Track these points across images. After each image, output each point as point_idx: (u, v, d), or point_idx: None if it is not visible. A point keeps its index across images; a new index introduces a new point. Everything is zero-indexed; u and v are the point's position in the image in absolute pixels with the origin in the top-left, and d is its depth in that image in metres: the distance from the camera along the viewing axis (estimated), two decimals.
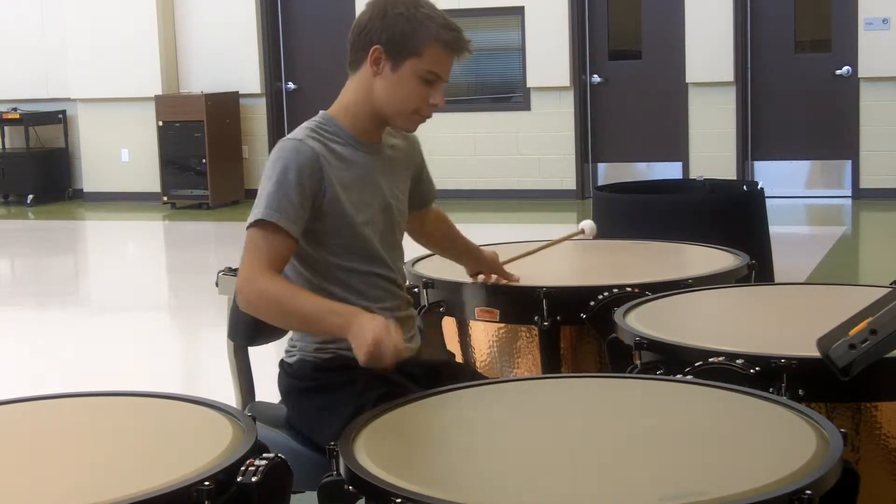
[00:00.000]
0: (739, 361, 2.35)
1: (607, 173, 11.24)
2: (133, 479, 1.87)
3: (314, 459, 2.49)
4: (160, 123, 11.73)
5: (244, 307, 2.52)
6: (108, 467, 2.00)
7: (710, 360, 2.38)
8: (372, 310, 2.52)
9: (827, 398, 2.33)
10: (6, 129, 12.56)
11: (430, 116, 2.62)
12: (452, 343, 3.25)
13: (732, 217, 5.99)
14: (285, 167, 2.49)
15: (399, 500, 1.79)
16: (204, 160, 11.59)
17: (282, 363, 2.70)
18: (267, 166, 2.53)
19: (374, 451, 2.01)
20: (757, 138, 10.82)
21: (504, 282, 3.15)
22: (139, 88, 11.91)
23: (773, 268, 6.28)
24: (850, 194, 10.57)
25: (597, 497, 1.85)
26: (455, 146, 10.85)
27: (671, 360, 2.48)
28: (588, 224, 3.46)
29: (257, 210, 2.49)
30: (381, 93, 2.57)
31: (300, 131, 2.58)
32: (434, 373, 2.69)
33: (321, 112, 2.65)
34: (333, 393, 2.59)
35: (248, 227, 2.51)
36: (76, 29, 12.10)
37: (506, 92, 11.41)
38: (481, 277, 3.17)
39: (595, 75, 11.15)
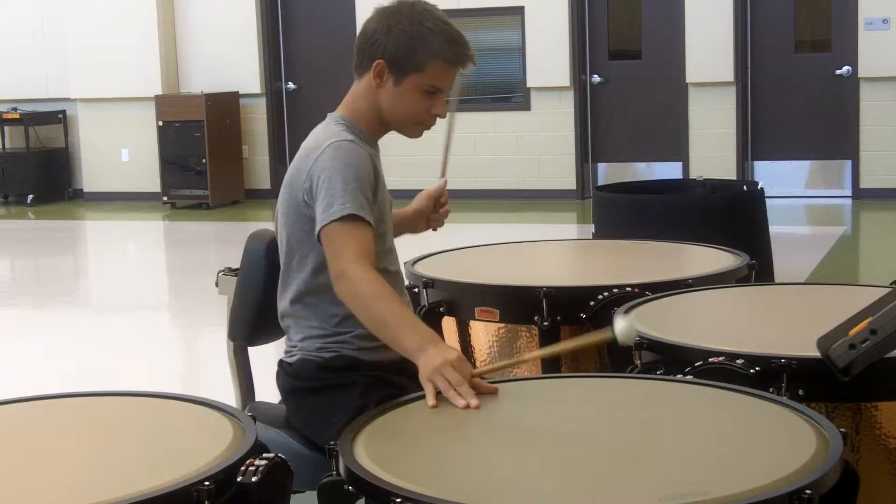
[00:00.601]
0: (739, 361, 2.35)
1: (607, 173, 11.24)
2: (133, 479, 1.86)
3: (314, 459, 2.49)
4: (160, 123, 11.73)
5: (348, 296, 2.48)
6: (108, 467, 2.00)
7: (710, 360, 2.38)
8: None
9: (827, 398, 2.33)
10: (6, 129, 12.56)
11: (433, 125, 2.67)
12: (452, 343, 3.25)
13: (732, 217, 5.98)
14: (352, 165, 2.51)
15: (399, 500, 1.79)
16: (204, 160, 11.59)
17: (281, 363, 2.70)
18: (327, 167, 2.51)
19: (374, 451, 2.01)
20: (757, 138, 10.82)
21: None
22: (139, 88, 11.91)
23: (773, 268, 6.28)
24: (850, 194, 10.57)
25: (597, 497, 1.85)
26: (455, 146, 10.84)
27: (671, 360, 2.48)
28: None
29: (344, 206, 2.47)
30: (385, 103, 2.63)
31: (341, 133, 2.59)
32: None
33: (338, 115, 2.67)
34: (335, 393, 2.59)
35: (331, 223, 2.48)
36: (76, 29, 12.10)
37: (506, 92, 11.40)
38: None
39: (595, 75, 11.15)
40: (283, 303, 2.69)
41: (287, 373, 2.68)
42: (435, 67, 2.58)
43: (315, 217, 2.53)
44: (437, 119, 2.68)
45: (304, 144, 2.65)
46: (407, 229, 3.09)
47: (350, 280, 2.46)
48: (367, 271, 2.46)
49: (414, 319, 2.47)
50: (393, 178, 2.87)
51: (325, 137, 2.59)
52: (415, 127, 2.67)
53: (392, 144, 2.84)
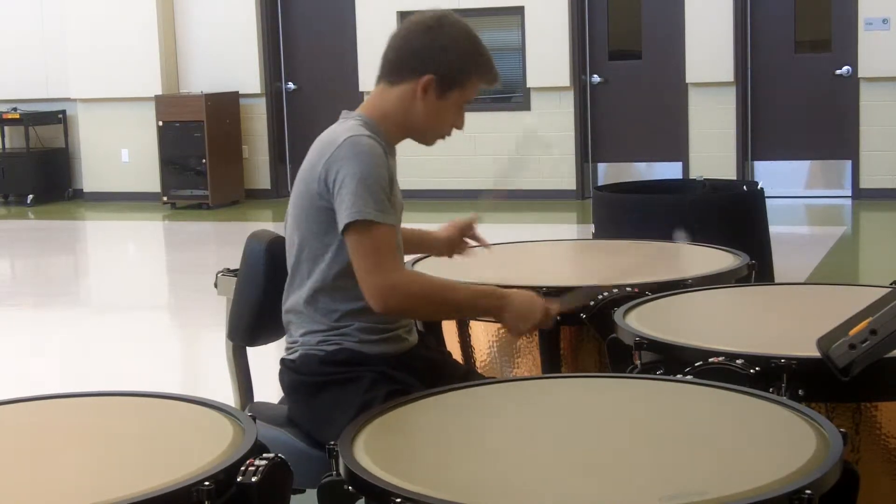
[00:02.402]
0: (739, 361, 2.35)
1: (607, 173, 11.24)
2: (133, 479, 1.87)
3: (315, 457, 2.49)
4: (160, 123, 11.73)
5: (392, 311, 2.57)
6: (108, 467, 2.00)
7: (710, 360, 2.38)
8: None
9: (827, 398, 2.33)
10: (6, 129, 12.56)
11: (450, 136, 2.77)
12: (452, 343, 3.25)
13: (732, 217, 5.99)
14: (374, 164, 2.54)
15: (399, 500, 1.79)
16: (204, 160, 11.58)
17: (283, 361, 2.70)
18: (349, 163, 2.52)
19: (374, 451, 2.01)
20: (757, 138, 10.82)
21: (475, 244, 3.17)
22: (139, 88, 11.91)
23: (773, 268, 6.28)
24: (850, 194, 10.57)
25: (597, 497, 1.85)
26: (455, 146, 10.84)
27: (671, 360, 2.48)
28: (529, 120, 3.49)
29: (367, 210, 2.50)
30: (420, 115, 2.67)
31: (358, 129, 2.60)
32: (435, 370, 2.71)
33: (357, 114, 2.67)
34: (339, 389, 2.59)
35: (353, 225, 2.50)
36: (76, 29, 12.10)
37: (506, 92, 11.40)
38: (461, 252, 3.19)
39: (595, 75, 11.15)
40: (291, 299, 2.68)
41: (290, 369, 2.68)
42: (473, 85, 2.70)
43: (334, 208, 2.54)
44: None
45: (320, 138, 2.65)
46: (432, 251, 3.22)
47: (402, 293, 2.54)
48: (408, 280, 2.58)
49: (474, 289, 2.69)
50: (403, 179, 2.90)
51: (342, 131, 2.60)
52: (437, 137, 2.75)
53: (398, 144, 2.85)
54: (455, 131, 2.76)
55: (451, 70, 2.64)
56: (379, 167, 2.54)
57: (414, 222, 2.94)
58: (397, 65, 2.66)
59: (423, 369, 2.69)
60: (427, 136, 2.73)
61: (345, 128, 2.61)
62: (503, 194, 3.24)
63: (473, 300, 2.65)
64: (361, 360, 2.61)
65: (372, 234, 2.51)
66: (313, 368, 2.63)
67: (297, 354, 2.66)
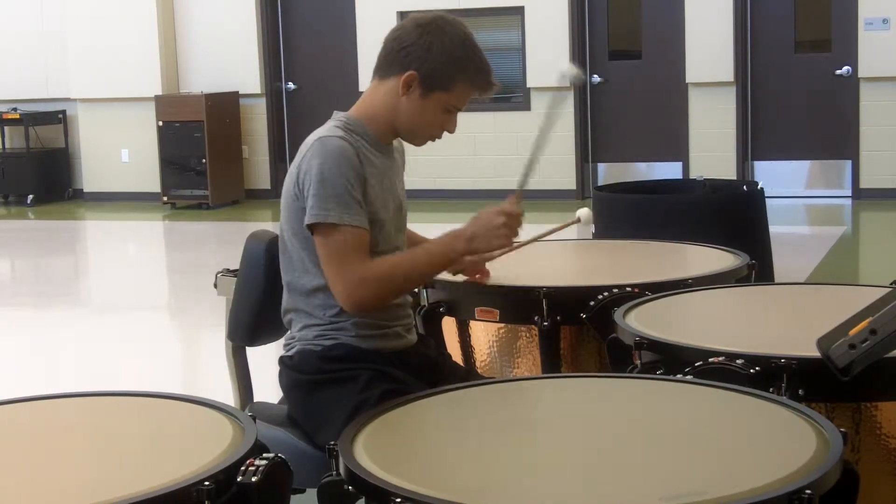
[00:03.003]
0: (739, 361, 2.35)
1: (607, 173, 11.23)
2: (133, 479, 1.86)
3: (315, 457, 2.49)
4: (160, 123, 11.73)
5: (364, 309, 2.59)
6: (108, 467, 2.00)
7: (710, 360, 2.38)
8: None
9: (827, 398, 2.33)
10: (6, 129, 12.56)
11: (440, 139, 2.74)
12: (452, 343, 3.25)
13: (732, 217, 5.98)
14: (338, 164, 2.54)
15: (399, 500, 1.79)
16: (204, 160, 11.58)
17: (281, 359, 2.71)
18: (314, 164, 2.55)
19: (374, 451, 2.01)
20: (757, 138, 10.82)
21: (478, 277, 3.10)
22: (139, 88, 11.91)
23: (773, 268, 6.28)
24: (850, 194, 10.57)
25: (597, 497, 1.85)
26: (455, 146, 10.85)
27: (671, 360, 2.48)
28: (584, 212, 3.34)
29: (330, 213, 2.52)
30: (404, 112, 2.67)
31: (332, 130, 2.62)
32: (435, 370, 2.72)
33: (343, 114, 2.69)
34: (336, 388, 2.60)
35: (316, 227, 2.53)
36: (76, 29, 12.10)
37: (506, 92, 11.40)
38: (461, 276, 3.13)
39: (595, 75, 11.15)
40: (289, 297, 2.70)
41: (288, 367, 2.69)
42: (461, 90, 2.67)
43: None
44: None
45: (304, 140, 2.68)
46: None
47: (369, 288, 2.55)
48: (370, 273, 2.55)
49: (426, 249, 2.72)
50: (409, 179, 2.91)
51: (317, 133, 2.63)
52: (424, 138, 2.74)
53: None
54: (457, 131, 2.76)
55: (434, 70, 2.63)
56: (342, 167, 2.54)
57: (413, 222, 2.93)
58: (387, 60, 2.68)
59: (423, 368, 2.70)
60: (412, 135, 2.74)
61: (322, 129, 2.64)
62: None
63: (435, 259, 2.68)
64: (358, 356, 2.61)
65: (333, 236, 2.53)
66: (310, 365, 2.64)
67: (294, 351, 2.68)
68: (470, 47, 2.67)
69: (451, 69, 2.64)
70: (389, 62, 2.67)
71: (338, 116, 2.69)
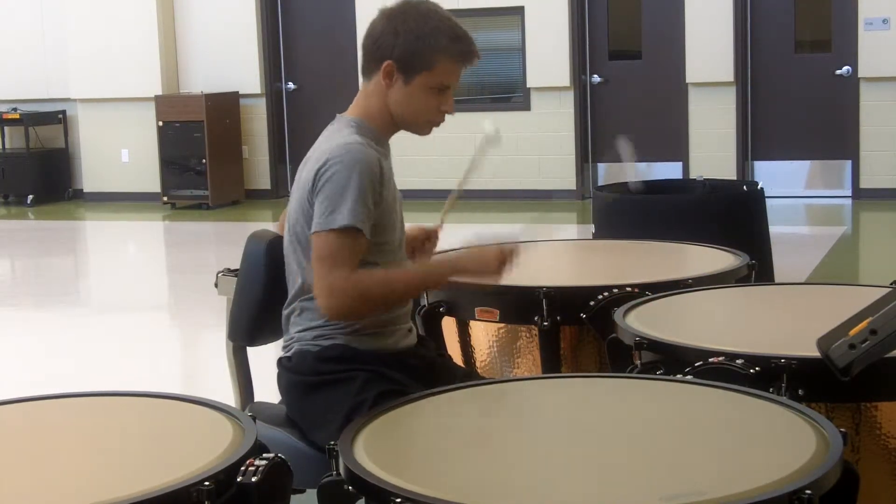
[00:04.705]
0: (739, 361, 2.35)
1: (607, 173, 11.23)
2: (133, 479, 1.87)
3: (315, 457, 2.50)
4: (160, 123, 11.73)
5: (338, 317, 2.58)
6: (108, 467, 2.00)
7: (710, 360, 2.38)
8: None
9: (827, 398, 2.33)
10: (6, 129, 12.56)
11: (442, 121, 2.72)
12: (452, 343, 3.25)
13: (732, 217, 5.98)
14: (361, 172, 2.53)
15: (399, 500, 1.79)
16: (204, 160, 11.58)
17: (280, 360, 2.71)
18: (337, 170, 2.54)
19: (374, 451, 2.01)
20: (757, 138, 10.82)
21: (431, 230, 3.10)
22: (139, 88, 11.91)
23: (773, 268, 6.28)
24: (850, 194, 10.57)
25: (597, 497, 1.85)
26: (455, 146, 10.86)
27: (671, 360, 2.48)
28: (488, 125, 3.32)
29: (340, 216, 2.51)
30: (394, 103, 2.66)
31: (351, 136, 2.61)
32: (434, 371, 2.71)
33: (351, 118, 2.69)
34: (333, 390, 2.59)
35: (327, 231, 2.52)
36: (76, 29, 12.10)
37: (506, 92, 11.40)
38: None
39: (595, 75, 11.15)
40: (290, 298, 2.70)
41: (286, 368, 2.69)
42: (443, 65, 2.63)
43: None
44: (446, 116, 2.72)
45: (315, 146, 2.68)
46: None
47: (353, 296, 2.53)
48: (358, 283, 2.54)
49: (416, 270, 2.74)
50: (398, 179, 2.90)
51: (334, 140, 2.62)
52: (425, 125, 2.71)
53: (395, 144, 2.85)
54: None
55: (406, 52, 2.61)
56: (365, 174, 2.54)
57: (413, 222, 2.94)
58: (366, 58, 2.68)
59: (421, 370, 2.69)
60: (412, 125, 2.71)
61: (337, 135, 2.63)
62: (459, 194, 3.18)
63: (420, 283, 2.72)
64: (354, 356, 2.61)
65: (333, 237, 2.52)
66: (308, 366, 2.63)
67: (292, 351, 2.68)
68: (438, 20, 2.63)
69: (422, 47, 2.61)
70: (368, 60, 2.67)
71: (346, 121, 2.68)
